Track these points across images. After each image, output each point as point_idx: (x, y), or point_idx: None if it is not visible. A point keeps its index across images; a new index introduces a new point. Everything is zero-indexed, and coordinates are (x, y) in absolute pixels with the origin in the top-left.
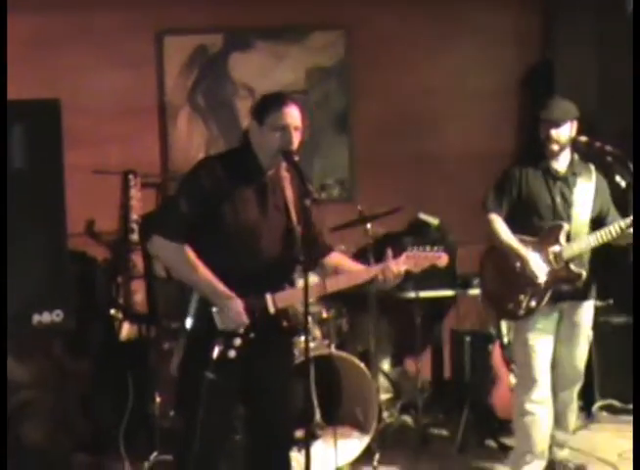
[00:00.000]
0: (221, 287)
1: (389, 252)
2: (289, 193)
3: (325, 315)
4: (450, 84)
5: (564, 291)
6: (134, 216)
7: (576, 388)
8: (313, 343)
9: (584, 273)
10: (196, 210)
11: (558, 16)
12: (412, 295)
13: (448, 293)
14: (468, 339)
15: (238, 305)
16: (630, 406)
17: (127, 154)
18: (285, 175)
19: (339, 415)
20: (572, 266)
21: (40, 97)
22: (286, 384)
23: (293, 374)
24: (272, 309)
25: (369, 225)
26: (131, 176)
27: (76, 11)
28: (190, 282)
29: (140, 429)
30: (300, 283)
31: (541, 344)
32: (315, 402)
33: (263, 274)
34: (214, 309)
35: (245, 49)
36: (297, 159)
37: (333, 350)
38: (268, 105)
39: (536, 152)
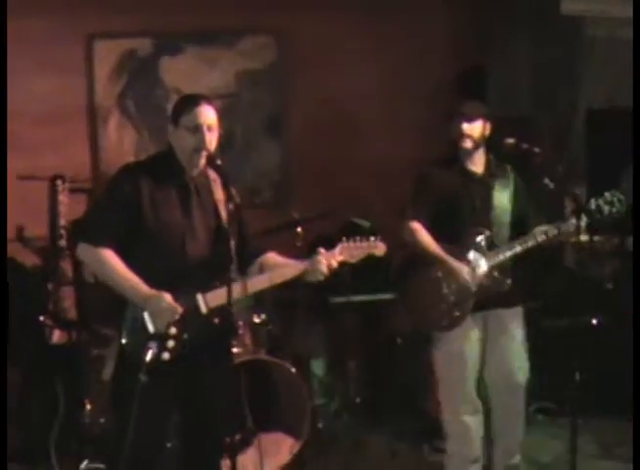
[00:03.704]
0: (145, 288)
1: (320, 249)
2: (218, 193)
3: (256, 321)
4: (382, 88)
5: (488, 299)
6: (62, 222)
7: (519, 394)
8: (243, 348)
9: (508, 280)
10: (119, 215)
11: (490, 18)
12: (345, 299)
13: (382, 296)
14: (400, 341)
15: (166, 298)
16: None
17: (57, 159)
18: (213, 176)
19: (271, 421)
20: (496, 273)
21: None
22: (221, 385)
23: (230, 375)
24: (204, 309)
25: (299, 229)
26: (59, 182)
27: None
28: (115, 286)
29: (71, 437)
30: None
31: (467, 354)
32: (247, 408)
33: (192, 274)
34: (146, 313)
35: (175, 53)
36: (219, 162)
37: (263, 355)
38: (182, 106)
39: (450, 153)
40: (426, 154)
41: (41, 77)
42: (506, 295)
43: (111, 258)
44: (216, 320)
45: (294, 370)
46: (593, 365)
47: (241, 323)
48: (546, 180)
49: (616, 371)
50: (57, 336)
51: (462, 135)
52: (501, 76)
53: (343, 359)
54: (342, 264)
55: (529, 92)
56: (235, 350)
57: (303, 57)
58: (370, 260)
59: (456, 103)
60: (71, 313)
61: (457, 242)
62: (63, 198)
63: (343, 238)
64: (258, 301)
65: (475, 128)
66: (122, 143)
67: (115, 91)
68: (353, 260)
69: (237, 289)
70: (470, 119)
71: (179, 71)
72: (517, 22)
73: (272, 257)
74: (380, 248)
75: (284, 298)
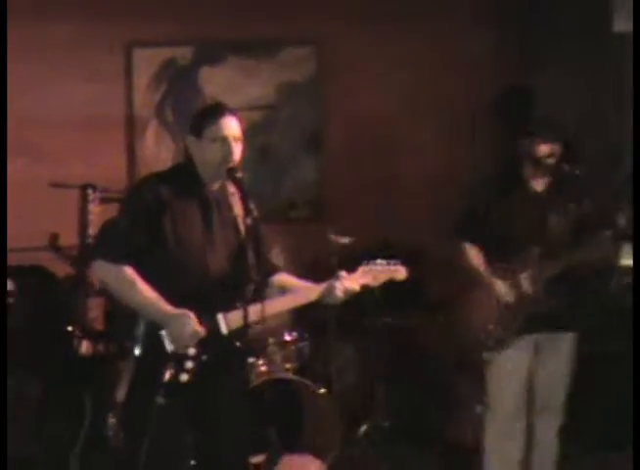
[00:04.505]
0: (168, 307)
1: (341, 272)
2: (237, 209)
3: (287, 338)
4: (426, 102)
5: (537, 320)
6: (92, 232)
7: (557, 425)
8: (272, 366)
9: (554, 300)
10: (138, 229)
11: (537, 37)
12: (379, 320)
13: (417, 318)
14: (435, 366)
15: (190, 318)
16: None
17: (94, 168)
18: (233, 191)
19: (298, 442)
20: (541, 293)
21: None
22: (239, 408)
23: (247, 397)
24: (225, 330)
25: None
26: (90, 190)
27: (44, 21)
28: (135, 305)
29: (96, 450)
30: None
31: (514, 378)
32: (272, 427)
33: (213, 293)
34: (164, 332)
35: (215, 63)
36: (239, 175)
37: (290, 374)
38: (205, 117)
39: (514, 173)
40: (468, 173)
41: (79, 85)
42: (556, 317)
43: (132, 275)
44: (237, 341)
45: (322, 391)
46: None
47: (271, 341)
48: (587, 203)
49: None
50: (85, 347)
51: (541, 157)
52: (546, 96)
53: (375, 382)
54: (364, 287)
55: (577, 113)
56: (263, 368)
57: (345, 69)
58: (406, 282)
59: (535, 123)
60: (99, 324)
61: (509, 261)
62: (93, 207)
63: (364, 261)
64: (290, 318)
65: (556, 150)
66: (159, 153)
67: (154, 100)
68: (376, 284)
69: (256, 310)
70: (552, 141)
71: (218, 81)
72: (564, 39)
73: (287, 277)
74: (400, 272)
75: (316, 317)
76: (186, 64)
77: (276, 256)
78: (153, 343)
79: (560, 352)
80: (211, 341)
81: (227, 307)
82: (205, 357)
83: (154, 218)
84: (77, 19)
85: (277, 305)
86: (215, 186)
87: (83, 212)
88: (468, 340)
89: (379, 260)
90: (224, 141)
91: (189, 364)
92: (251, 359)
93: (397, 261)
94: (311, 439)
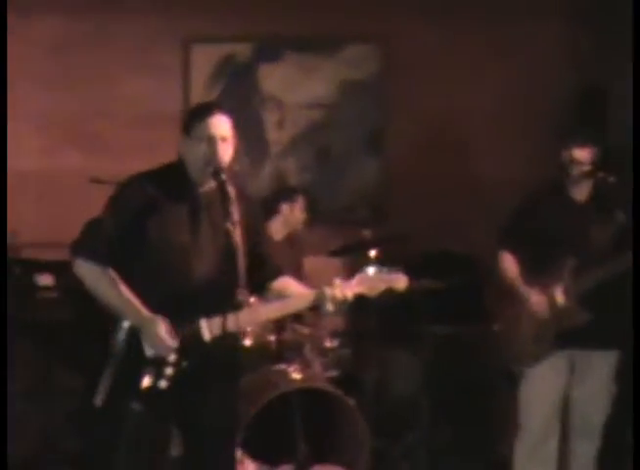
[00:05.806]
0: (144, 310)
1: (336, 280)
2: (234, 210)
3: (327, 345)
4: (494, 103)
5: (571, 336)
6: None
7: (593, 448)
8: (308, 374)
9: (587, 314)
10: (123, 230)
11: (617, 34)
12: (429, 329)
13: (471, 328)
14: (487, 377)
15: (161, 327)
16: None
17: (150, 163)
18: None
19: (329, 453)
20: (577, 306)
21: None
22: (225, 420)
23: (234, 410)
24: (207, 336)
25: (372, 253)
26: None
27: (104, 16)
28: (114, 306)
29: None
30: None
31: (546, 397)
32: (301, 436)
33: (199, 298)
34: (143, 337)
35: (274, 60)
36: (224, 177)
37: (322, 383)
38: (194, 115)
39: (556, 179)
40: (535, 177)
41: (137, 81)
42: (592, 334)
43: (112, 276)
44: (222, 348)
45: (352, 403)
46: None
47: (308, 346)
48: (619, 212)
49: None
50: None
51: (572, 161)
52: (620, 99)
53: (419, 395)
54: (358, 297)
55: None
56: (296, 375)
57: (410, 68)
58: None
59: (569, 126)
60: None
61: (548, 272)
62: None
63: (363, 268)
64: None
65: (586, 155)
66: None
67: (212, 97)
68: (372, 294)
69: (244, 317)
70: (582, 145)
71: (278, 79)
72: None
73: (287, 282)
74: (401, 281)
75: (360, 324)
76: (245, 60)
77: (326, 262)
78: (134, 347)
79: (598, 372)
80: (193, 347)
81: (213, 313)
82: (185, 364)
83: (139, 219)
84: (136, 15)
85: (263, 313)
86: (207, 188)
87: None
88: (508, 353)
89: (376, 268)
90: (210, 141)
91: (168, 371)
92: (282, 366)
93: (398, 269)
94: (343, 451)
